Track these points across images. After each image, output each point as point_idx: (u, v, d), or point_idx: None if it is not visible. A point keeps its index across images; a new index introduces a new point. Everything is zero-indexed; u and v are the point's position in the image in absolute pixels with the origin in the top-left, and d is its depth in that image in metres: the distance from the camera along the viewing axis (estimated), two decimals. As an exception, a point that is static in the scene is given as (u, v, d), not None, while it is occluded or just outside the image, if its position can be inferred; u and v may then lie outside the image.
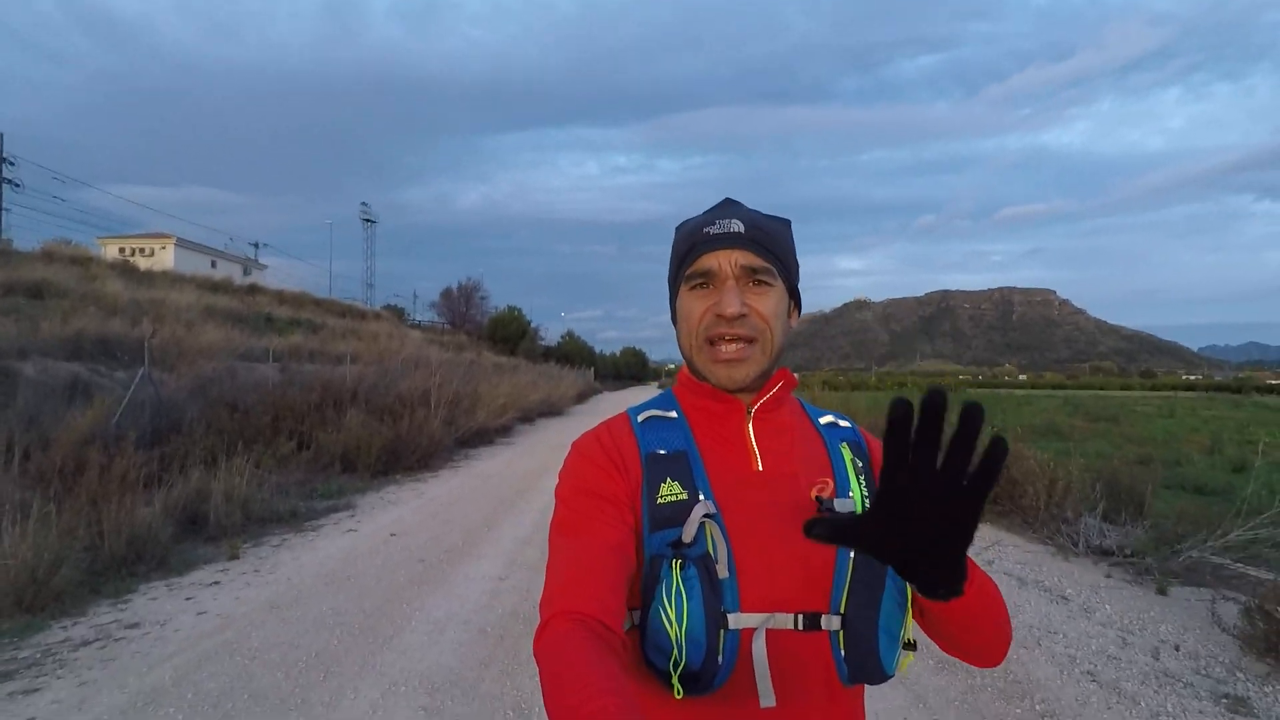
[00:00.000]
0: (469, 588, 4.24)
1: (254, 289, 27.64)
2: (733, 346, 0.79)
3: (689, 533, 0.73)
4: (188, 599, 4.03)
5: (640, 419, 0.85)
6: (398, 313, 45.74)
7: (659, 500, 0.76)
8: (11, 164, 28.92)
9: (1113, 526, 5.61)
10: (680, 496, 0.76)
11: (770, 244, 0.82)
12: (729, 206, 0.86)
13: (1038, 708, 2.74)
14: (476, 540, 5.34)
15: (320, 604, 3.92)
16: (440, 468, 9.47)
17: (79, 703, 2.74)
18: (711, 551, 0.73)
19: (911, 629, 0.79)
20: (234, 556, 4.91)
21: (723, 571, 0.73)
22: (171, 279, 22.25)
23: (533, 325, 50.83)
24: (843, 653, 0.74)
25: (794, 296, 0.87)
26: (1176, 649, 3.36)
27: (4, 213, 28.06)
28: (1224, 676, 3.05)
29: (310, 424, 9.59)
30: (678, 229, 0.89)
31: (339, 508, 6.75)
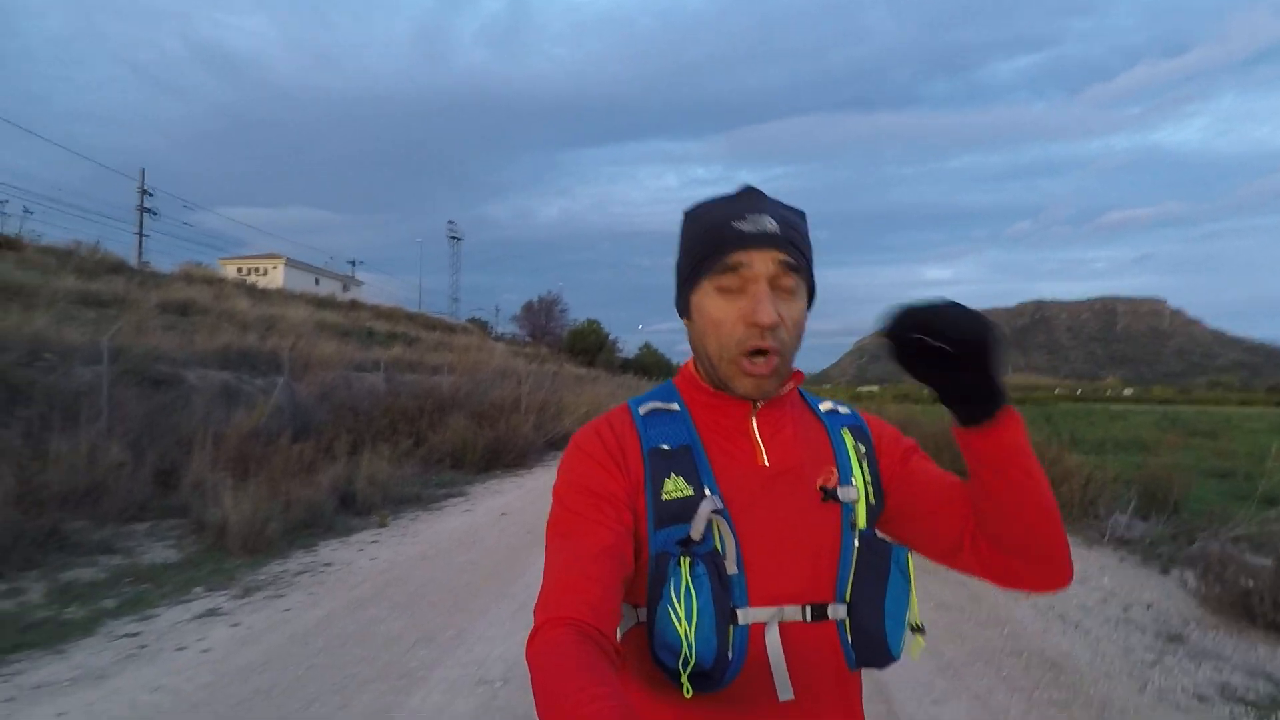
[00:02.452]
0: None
1: (355, 304, 30.22)
2: (762, 361, 0.76)
3: (697, 530, 0.72)
4: (359, 550, 5.29)
5: (642, 411, 0.83)
6: (482, 326, 48.23)
7: (664, 497, 0.75)
8: (151, 195, 32.82)
9: (1143, 521, 6.16)
10: (686, 493, 0.75)
11: (799, 241, 0.79)
12: (756, 199, 0.80)
13: (1005, 631, 3.54)
14: (571, 520, 6.46)
15: (459, 557, 5.08)
16: (534, 465, 10.71)
17: (313, 603, 3.96)
18: (720, 548, 0.73)
19: (918, 613, 0.79)
20: (383, 525, 6.19)
21: (731, 568, 0.73)
22: (285, 296, 24.78)
23: (610, 337, 52.50)
24: (850, 639, 0.75)
25: (810, 293, 0.83)
26: (1148, 607, 4.04)
27: (145, 238, 31.89)
28: (1176, 625, 3.73)
29: (421, 426, 11.02)
30: (692, 214, 0.83)
31: (454, 494, 8.02)
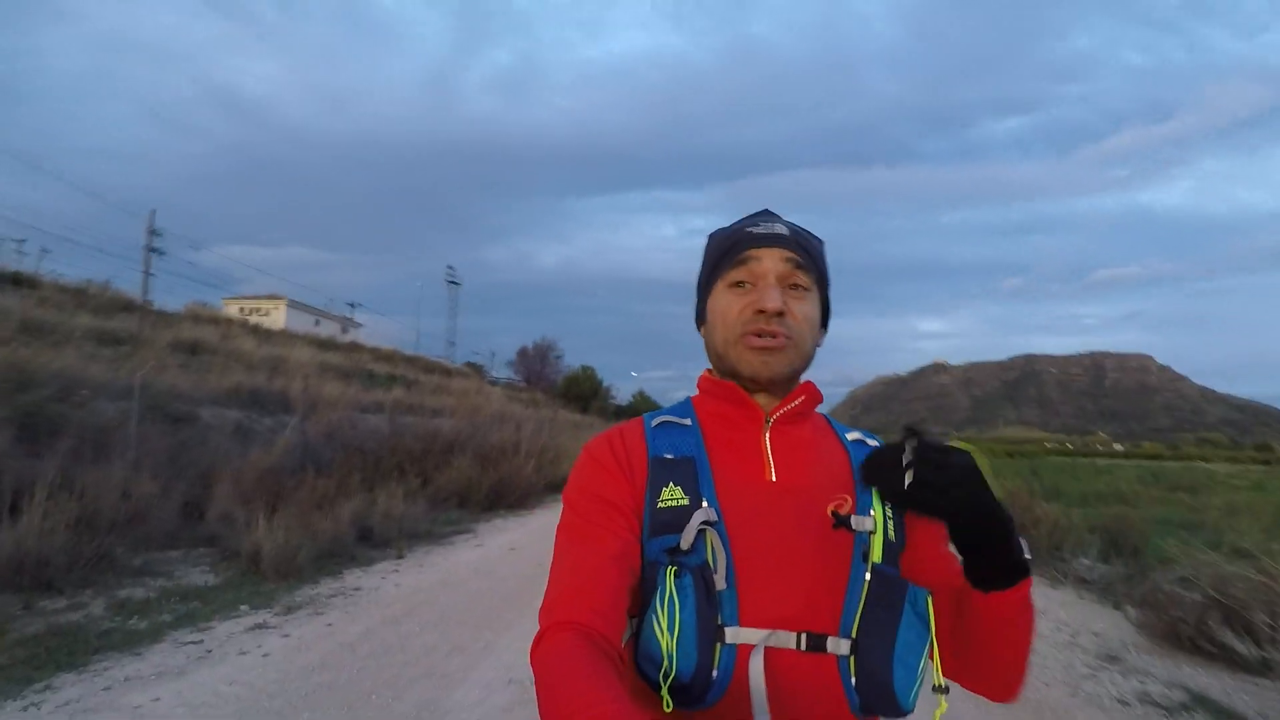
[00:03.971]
0: (575, 582, 5.81)
1: (354, 346, 30.74)
2: (768, 338, 0.78)
3: (686, 539, 0.71)
4: (383, 578, 5.74)
5: (654, 423, 0.84)
6: (478, 369, 48.68)
7: (659, 504, 0.74)
8: (159, 235, 33.61)
9: (1104, 564, 6.68)
10: (681, 501, 0.74)
11: (811, 250, 0.83)
12: (769, 214, 0.86)
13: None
14: (575, 555, 6.92)
15: (475, 584, 5.55)
16: (535, 506, 11.16)
17: (351, 620, 4.43)
18: (711, 561, 0.71)
19: (940, 672, 0.74)
20: (400, 556, 6.65)
21: (720, 583, 0.70)
22: (288, 337, 25.30)
23: (604, 384, 53.03)
24: (853, 680, 0.70)
25: (825, 313, 0.86)
26: (1095, 634, 4.56)
27: (153, 278, 32.56)
28: (1115, 649, 4.25)
29: (427, 467, 11.47)
30: (712, 234, 0.88)
31: (462, 531, 8.47)
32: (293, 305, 44.31)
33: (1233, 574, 4.13)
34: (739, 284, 0.81)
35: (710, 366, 0.89)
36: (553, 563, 0.74)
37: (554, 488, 13.55)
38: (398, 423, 14.93)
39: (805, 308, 0.81)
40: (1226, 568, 4.27)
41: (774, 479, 0.78)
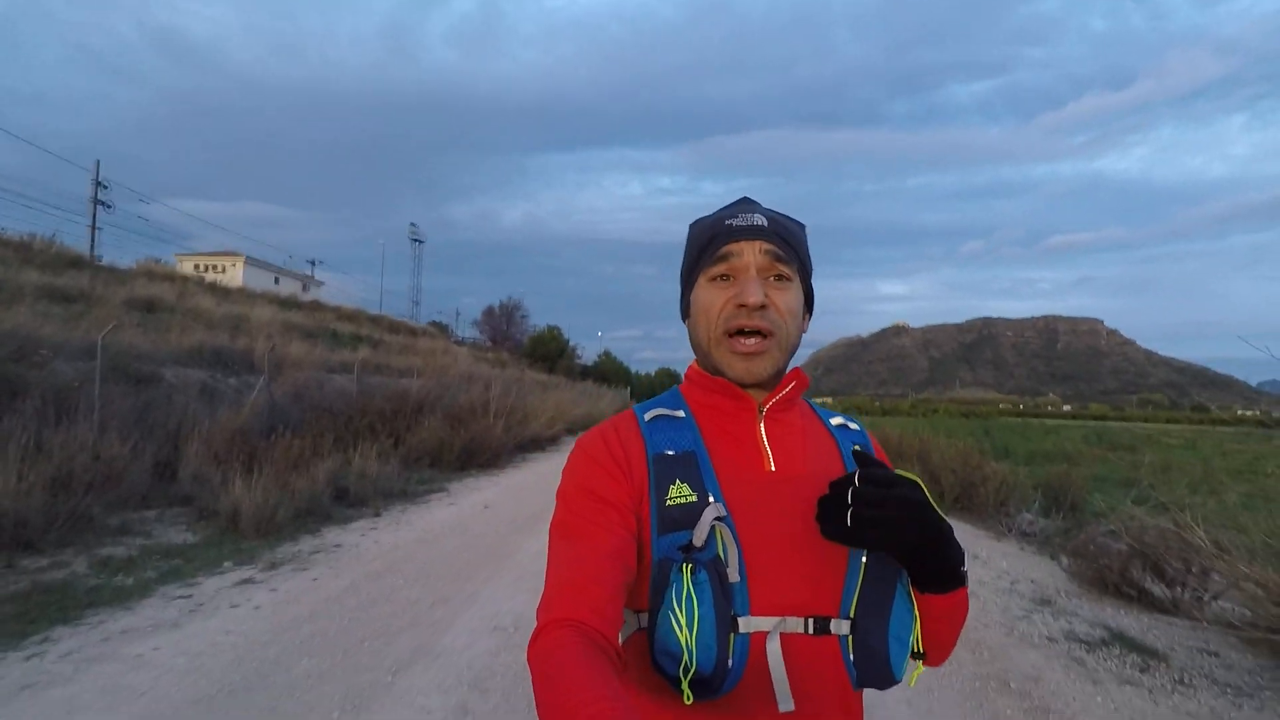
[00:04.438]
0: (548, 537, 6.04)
1: (317, 305, 30.15)
2: (752, 340, 0.79)
3: (700, 536, 0.72)
4: (361, 535, 5.90)
5: (647, 417, 0.85)
6: (443, 329, 48.23)
7: (668, 502, 0.75)
8: (105, 187, 32.22)
9: (1045, 519, 7.16)
10: (690, 499, 0.75)
11: (791, 239, 0.83)
12: (749, 203, 0.87)
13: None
14: (546, 512, 7.06)
15: (452, 540, 5.74)
16: (505, 466, 11.35)
17: (335, 575, 4.59)
18: (722, 555, 0.73)
19: (920, 641, 0.79)
20: (377, 514, 6.80)
21: (734, 575, 0.72)
22: (248, 296, 24.73)
23: (570, 345, 53.03)
24: (852, 657, 0.75)
25: (808, 299, 0.88)
26: (1031, 582, 4.97)
27: (99, 232, 31.31)
28: (1049, 594, 4.66)
29: (398, 427, 11.53)
30: (693, 225, 0.89)
31: (435, 490, 8.62)
32: (251, 262, 43.12)
33: (1151, 526, 4.53)
34: (720, 278, 0.82)
35: (696, 358, 0.90)
36: (548, 560, 0.74)
37: (523, 448, 13.75)
38: (365, 383, 14.89)
39: (787, 298, 0.82)
40: (1147, 521, 4.68)
41: (773, 469, 0.80)
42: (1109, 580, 4.63)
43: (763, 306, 0.79)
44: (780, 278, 0.81)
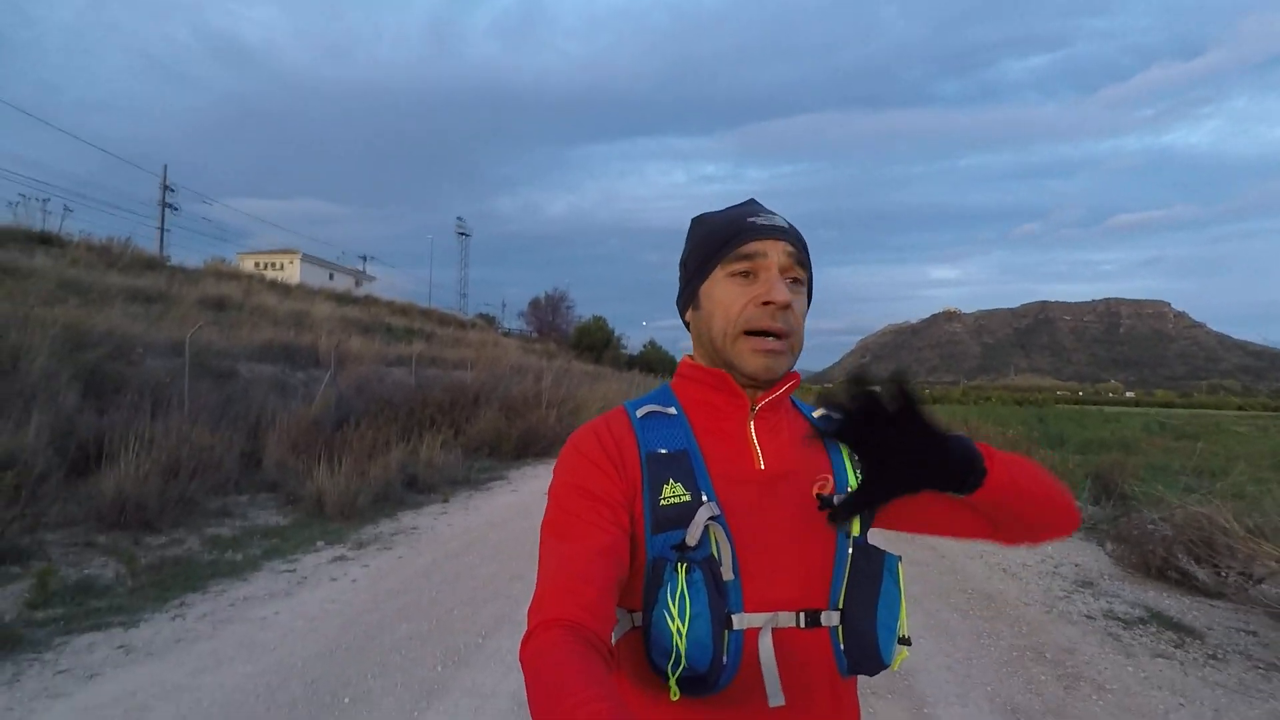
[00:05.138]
0: (608, 522, 6.43)
1: (370, 300, 31.23)
2: (773, 340, 0.80)
3: (693, 536, 0.73)
4: (434, 519, 6.38)
5: (639, 414, 0.85)
6: (490, 321, 49.24)
7: (662, 502, 0.76)
8: (172, 191, 33.92)
9: (1094, 506, 7.23)
10: (684, 498, 0.76)
11: (804, 244, 0.85)
12: (756, 204, 0.88)
13: (958, 577, 4.64)
14: (604, 499, 7.55)
15: (518, 524, 6.17)
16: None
17: (418, 554, 5.06)
18: (716, 554, 0.74)
19: (907, 625, 0.82)
20: (446, 500, 7.29)
21: (727, 574, 0.74)
22: (306, 292, 25.79)
23: (616, 334, 53.55)
24: (842, 646, 0.77)
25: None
26: (1076, 565, 5.13)
27: (166, 233, 33.03)
28: (1092, 576, 4.83)
29: (457, 418, 12.10)
30: (700, 219, 0.89)
31: (496, 478, 9.12)
32: (306, 259, 44.65)
33: (1197, 513, 4.64)
34: (742, 274, 0.82)
35: (691, 351, 0.91)
36: (540, 559, 0.74)
37: (575, 437, 14.23)
38: (422, 376, 15.56)
39: (800, 302, 0.83)
40: (1193, 508, 4.78)
41: (763, 467, 0.81)
42: (1152, 564, 4.77)
43: (788, 306, 0.80)
44: (796, 281, 0.83)
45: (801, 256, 0.83)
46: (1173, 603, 4.33)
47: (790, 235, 0.83)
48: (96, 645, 3.28)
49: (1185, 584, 4.62)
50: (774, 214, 0.85)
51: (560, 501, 0.78)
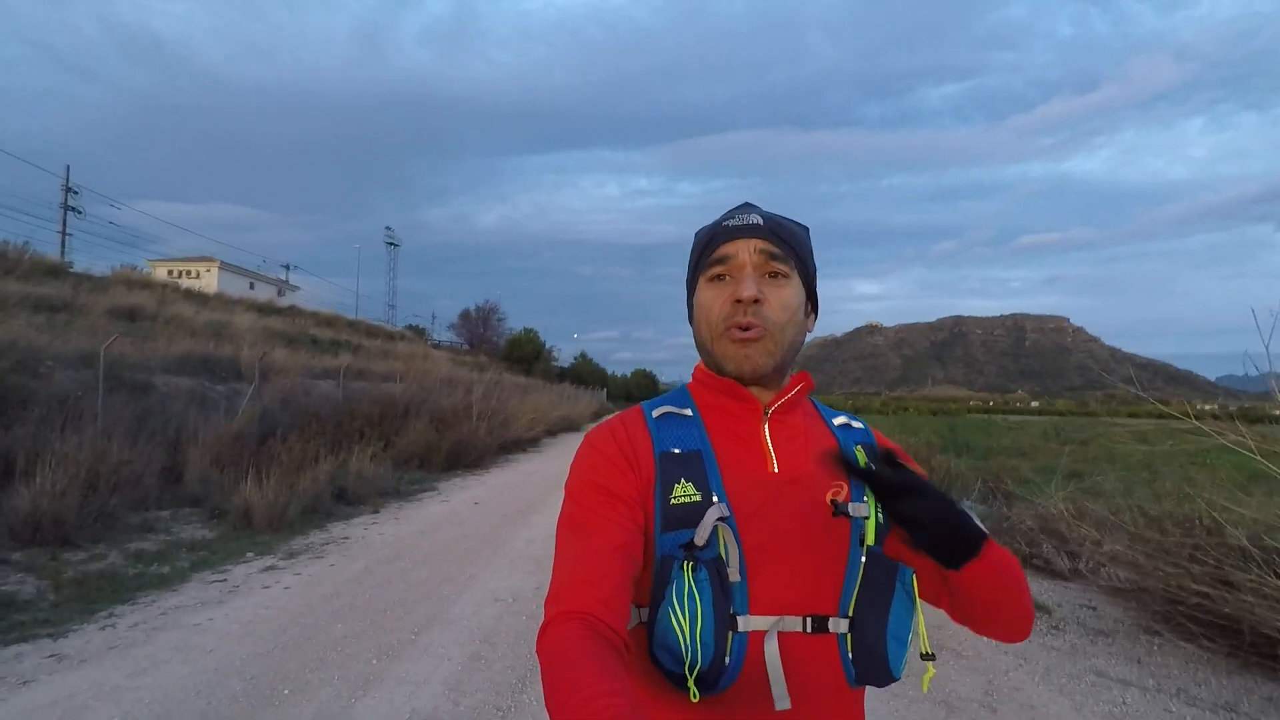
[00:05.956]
0: (537, 528, 6.66)
1: (294, 310, 30.29)
2: (747, 329, 0.81)
3: (702, 536, 0.73)
4: (365, 529, 6.49)
5: (655, 414, 0.86)
6: (420, 333, 48.34)
7: (672, 501, 0.76)
8: (75, 193, 32.03)
9: (985, 506, 7.98)
10: (694, 498, 0.76)
11: (787, 236, 0.84)
12: (748, 207, 0.88)
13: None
14: (534, 507, 7.77)
15: (449, 531, 6.36)
16: (490, 466, 11.94)
17: (350, 562, 5.20)
18: (723, 554, 0.74)
19: (928, 640, 0.81)
20: (375, 511, 7.39)
21: (734, 575, 0.74)
22: (225, 301, 24.88)
23: (547, 347, 53.46)
24: (850, 655, 0.77)
25: (811, 299, 0.89)
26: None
27: (69, 238, 31.14)
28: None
29: (386, 430, 12.06)
30: (697, 233, 0.91)
31: (426, 489, 9.21)
32: (225, 267, 42.83)
33: (1059, 510, 5.31)
34: (718, 278, 0.84)
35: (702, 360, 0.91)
36: (556, 554, 0.75)
37: (506, 449, 14.34)
38: (350, 389, 15.34)
39: (784, 295, 0.82)
40: (1058, 505, 5.46)
41: (776, 470, 0.81)
42: (1020, 554, 5.41)
43: (756, 301, 0.80)
44: (776, 275, 0.83)
45: (780, 249, 0.83)
46: (1034, 585, 4.95)
47: (763, 231, 0.83)
48: (25, 655, 3.34)
49: (1047, 570, 5.27)
50: (754, 213, 0.85)
51: (577, 498, 0.79)
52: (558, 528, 0.78)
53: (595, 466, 0.80)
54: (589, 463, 0.81)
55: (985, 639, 3.76)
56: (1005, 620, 0.80)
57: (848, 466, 0.76)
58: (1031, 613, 0.81)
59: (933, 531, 0.73)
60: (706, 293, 0.84)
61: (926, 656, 0.80)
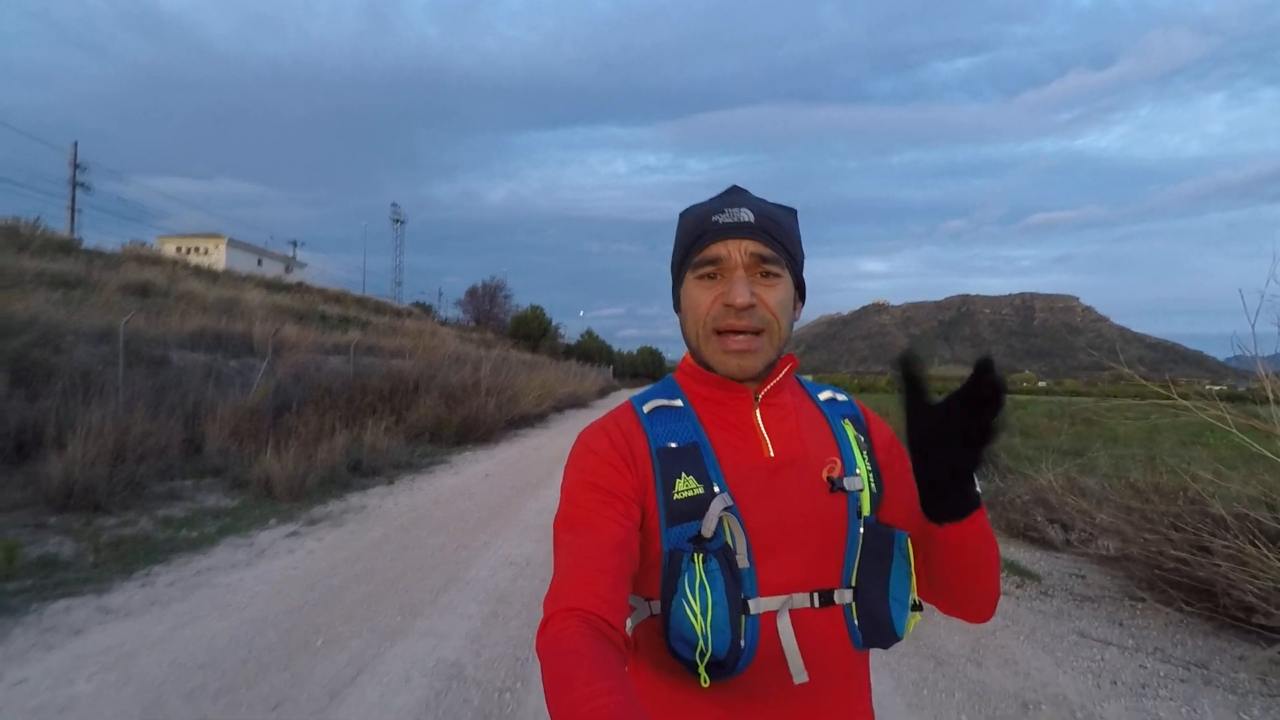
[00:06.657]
0: (546, 499, 6.89)
1: (303, 287, 30.52)
2: (742, 338, 0.81)
3: (709, 527, 0.75)
4: (381, 499, 6.73)
5: (646, 409, 0.87)
6: (426, 310, 48.58)
7: (676, 495, 0.78)
8: (83, 168, 32.16)
9: (985, 482, 8.16)
10: (696, 491, 0.77)
11: (779, 234, 0.83)
12: (737, 195, 0.86)
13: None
14: (542, 480, 8.00)
15: (462, 503, 6.60)
16: (499, 441, 12.19)
17: (368, 529, 5.44)
18: (731, 543, 0.76)
19: (916, 592, 0.84)
20: (391, 482, 7.63)
21: (743, 562, 0.76)
22: (234, 278, 25.11)
23: (553, 323, 53.63)
24: (856, 622, 0.80)
25: (799, 287, 0.89)
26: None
27: (78, 214, 31.34)
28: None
29: (398, 405, 12.30)
30: (683, 215, 0.89)
31: (437, 462, 9.46)
32: (233, 244, 43.03)
33: (1052, 484, 5.48)
34: (707, 276, 0.83)
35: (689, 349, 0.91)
36: (554, 553, 0.76)
37: (514, 424, 14.59)
38: (360, 364, 15.58)
39: (776, 294, 0.82)
40: (1053, 480, 5.63)
41: (771, 455, 0.82)
42: (1015, 527, 5.60)
43: (750, 306, 0.80)
44: (768, 274, 0.82)
45: (772, 249, 0.82)
46: (1026, 555, 5.15)
47: (755, 230, 0.82)
48: (74, 609, 3.58)
49: (1041, 541, 5.46)
50: (744, 207, 0.84)
51: (573, 497, 0.79)
52: (555, 527, 0.79)
53: (589, 467, 0.81)
54: (583, 463, 0.82)
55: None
56: (980, 593, 0.82)
57: (988, 370, 0.69)
58: (998, 593, 0.84)
59: (957, 466, 0.72)
60: (695, 290, 0.84)
61: (915, 607, 0.84)
